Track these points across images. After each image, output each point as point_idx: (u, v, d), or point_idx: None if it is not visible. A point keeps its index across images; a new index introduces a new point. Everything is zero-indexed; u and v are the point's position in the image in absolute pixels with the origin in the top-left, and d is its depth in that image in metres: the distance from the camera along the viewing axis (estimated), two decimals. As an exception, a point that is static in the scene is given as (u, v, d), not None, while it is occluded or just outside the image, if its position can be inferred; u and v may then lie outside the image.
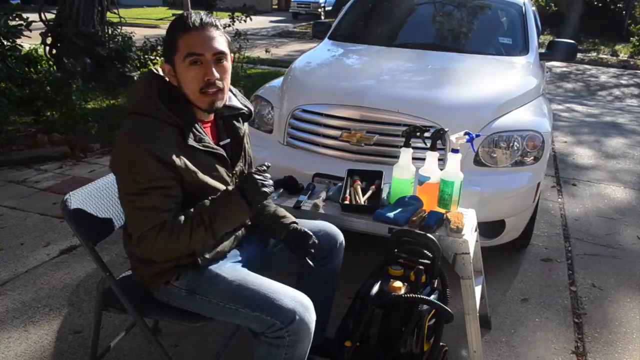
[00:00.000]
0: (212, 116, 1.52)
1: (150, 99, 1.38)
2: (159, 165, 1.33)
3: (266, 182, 1.40)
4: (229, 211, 1.39)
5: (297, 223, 1.66)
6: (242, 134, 1.60)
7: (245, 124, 1.64)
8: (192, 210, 1.39)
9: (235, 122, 1.59)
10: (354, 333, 1.57)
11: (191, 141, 1.39)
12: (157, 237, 1.34)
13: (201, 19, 1.37)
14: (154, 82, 1.43)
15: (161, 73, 1.47)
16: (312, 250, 1.60)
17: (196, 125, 1.43)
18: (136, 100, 1.41)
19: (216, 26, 1.40)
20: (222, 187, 1.48)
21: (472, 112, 2.56)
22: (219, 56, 1.40)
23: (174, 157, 1.35)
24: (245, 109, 1.60)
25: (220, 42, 1.40)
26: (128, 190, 1.35)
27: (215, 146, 1.47)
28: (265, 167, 1.44)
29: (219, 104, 1.45)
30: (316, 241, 1.61)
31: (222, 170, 1.49)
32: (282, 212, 1.71)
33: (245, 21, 7.03)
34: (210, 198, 1.41)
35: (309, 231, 1.62)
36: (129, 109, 1.42)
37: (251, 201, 1.39)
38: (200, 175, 1.41)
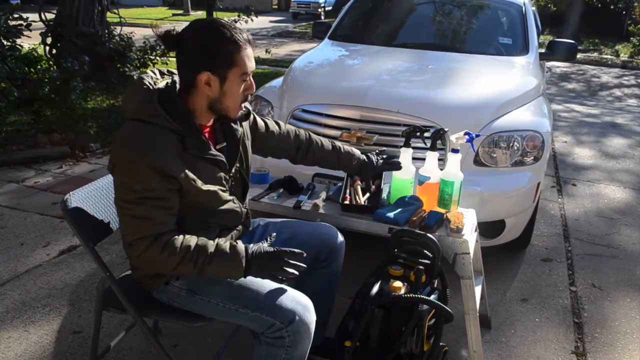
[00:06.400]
0: (212, 120, 1.50)
1: (149, 105, 1.35)
2: (157, 176, 1.31)
3: (289, 272, 1.39)
4: (225, 268, 1.39)
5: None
6: (239, 136, 1.59)
7: (245, 123, 1.65)
8: (194, 239, 1.37)
9: (232, 124, 1.58)
10: (354, 333, 1.57)
11: (192, 149, 1.38)
12: (147, 249, 1.33)
13: (248, 37, 1.40)
14: (151, 88, 1.39)
15: (158, 76, 1.44)
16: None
17: (197, 132, 1.40)
18: (134, 106, 1.37)
19: None
20: (219, 190, 1.47)
21: (472, 112, 2.56)
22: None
23: (173, 166, 1.33)
24: (244, 109, 1.59)
25: None
26: (123, 197, 1.35)
27: (216, 152, 1.46)
28: (299, 257, 1.41)
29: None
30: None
31: (221, 175, 1.48)
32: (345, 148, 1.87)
33: (246, 21, 7.11)
34: (216, 242, 1.39)
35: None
36: (127, 115, 1.39)
37: (251, 271, 1.39)
38: (199, 182, 1.40)
